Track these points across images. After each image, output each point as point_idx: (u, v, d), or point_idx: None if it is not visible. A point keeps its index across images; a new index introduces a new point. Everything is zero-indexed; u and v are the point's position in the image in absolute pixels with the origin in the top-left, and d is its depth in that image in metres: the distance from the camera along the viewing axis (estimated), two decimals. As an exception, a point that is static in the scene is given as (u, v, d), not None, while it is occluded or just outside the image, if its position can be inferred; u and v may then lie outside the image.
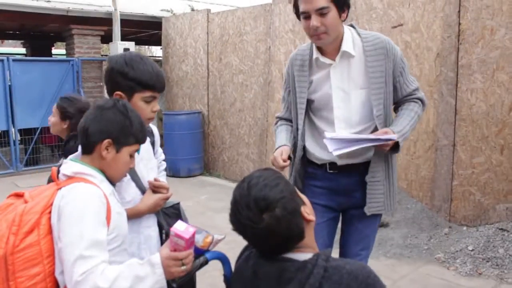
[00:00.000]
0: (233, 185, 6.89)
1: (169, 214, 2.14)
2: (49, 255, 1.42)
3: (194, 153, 7.47)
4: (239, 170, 7.19)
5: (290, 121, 2.32)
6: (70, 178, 1.51)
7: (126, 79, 1.82)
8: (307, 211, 1.41)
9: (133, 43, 7.83)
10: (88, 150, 1.56)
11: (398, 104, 2.22)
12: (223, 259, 1.59)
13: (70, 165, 1.54)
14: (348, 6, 2.01)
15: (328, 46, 2.06)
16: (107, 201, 1.48)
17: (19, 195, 1.55)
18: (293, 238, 1.36)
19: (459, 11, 4.35)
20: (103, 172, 1.57)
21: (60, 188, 1.48)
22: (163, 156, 2.49)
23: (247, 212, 1.33)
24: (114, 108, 1.56)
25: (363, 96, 2.09)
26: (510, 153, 4.11)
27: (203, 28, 7.53)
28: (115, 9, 7.92)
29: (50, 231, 1.44)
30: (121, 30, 8.01)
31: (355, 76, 2.08)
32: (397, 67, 2.11)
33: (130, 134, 1.57)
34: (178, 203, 2.18)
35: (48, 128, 9.42)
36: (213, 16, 7.42)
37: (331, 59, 2.08)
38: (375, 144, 2.01)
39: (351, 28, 2.12)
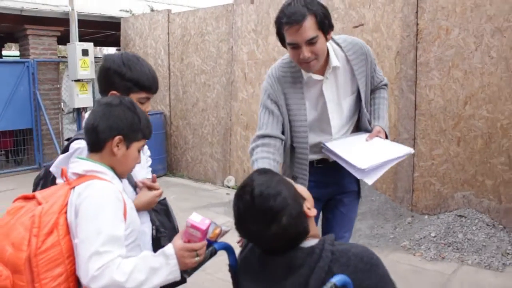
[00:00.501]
0: (197, 184, 7.01)
1: (157, 210, 2.18)
2: (69, 255, 1.43)
3: (157, 153, 7.40)
4: (203, 169, 7.22)
5: (276, 137, 2.13)
6: (82, 177, 1.51)
7: (124, 79, 1.85)
8: (309, 206, 1.46)
9: (91, 44, 7.67)
10: (97, 148, 1.57)
11: (370, 92, 2.36)
12: (229, 250, 1.65)
13: (81, 163, 1.55)
14: (333, 28, 2.00)
15: None
16: (122, 197, 1.51)
17: (28, 198, 1.55)
18: (300, 236, 1.42)
19: (416, 12, 4.61)
20: (112, 169, 1.59)
21: (73, 187, 1.49)
22: (148, 153, 2.51)
23: (254, 224, 1.37)
24: (122, 105, 1.58)
25: (350, 101, 2.22)
26: (466, 144, 4.40)
27: (164, 29, 7.49)
28: (72, 9, 7.72)
29: (68, 231, 1.45)
30: (78, 31, 7.83)
31: (343, 86, 2.17)
32: (372, 65, 2.26)
33: (139, 130, 1.60)
34: (165, 199, 2.20)
35: (2, 133, 9.02)
36: (174, 16, 7.39)
37: (320, 74, 2.11)
38: (399, 160, 2.16)
39: None
